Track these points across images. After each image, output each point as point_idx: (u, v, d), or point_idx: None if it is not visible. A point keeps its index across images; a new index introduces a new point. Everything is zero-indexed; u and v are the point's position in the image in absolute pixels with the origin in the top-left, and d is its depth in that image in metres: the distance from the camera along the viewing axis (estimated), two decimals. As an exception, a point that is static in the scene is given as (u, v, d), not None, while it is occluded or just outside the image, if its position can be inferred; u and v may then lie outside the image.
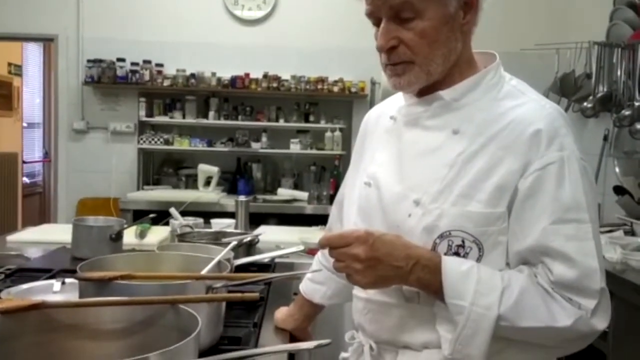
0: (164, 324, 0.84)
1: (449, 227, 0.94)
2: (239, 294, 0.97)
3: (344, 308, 1.81)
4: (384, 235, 0.94)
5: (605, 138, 3.54)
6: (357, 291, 1.09)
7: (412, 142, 1.02)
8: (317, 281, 1.30)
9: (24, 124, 6.05)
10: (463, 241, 0.94)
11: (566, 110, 3.90)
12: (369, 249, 0.91)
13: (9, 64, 5.64)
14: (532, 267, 0.94)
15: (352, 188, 1.15)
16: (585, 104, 3.42)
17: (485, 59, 1.04)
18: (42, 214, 5.85)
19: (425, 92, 1.02)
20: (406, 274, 0.92)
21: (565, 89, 3.88)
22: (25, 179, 5.98)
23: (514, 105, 0.98)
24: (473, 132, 0.97)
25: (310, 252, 2.17)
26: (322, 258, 1.31)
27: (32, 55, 6.20)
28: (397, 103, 1.10)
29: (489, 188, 0.93)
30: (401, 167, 1.02)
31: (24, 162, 5.91)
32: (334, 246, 0.93)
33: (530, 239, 0.92)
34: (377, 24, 0.99)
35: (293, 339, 1.33)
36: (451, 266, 0.91)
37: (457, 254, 0.94)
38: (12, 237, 2.46)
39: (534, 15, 4.45)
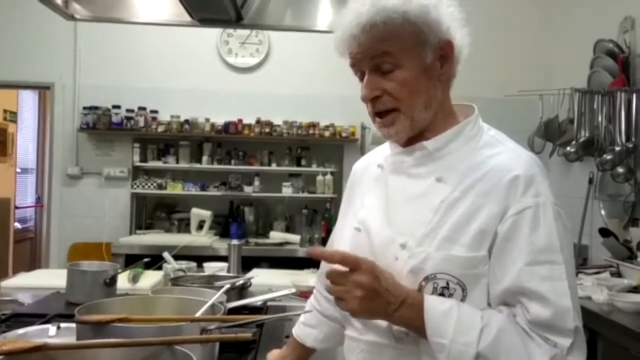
0: (161, 364, 0.87)
1: (434, 270, 0.99)
2: (232, 335, 1.00)
3: (337, 349, 1.83)
4: (385, 271, 0.99)
5: (591, 181, 3.62)
6: (350, 332, 1.13)
7: (398, 189, 1.09)
8: (309, 324, 1.34)
9: (18, 170, 6.08)
10: (447, 283, 0.99)
11: (551, 154, 4.01)
12: (374, 280, 0.95)
13: (5, 111, 5.72)
14: (511, 308, 0.98)
15: (341, 234, 1.20)
16: (568, 148, 3.51)
17: (464, 109, 1.11)
18: (33, 259, 5.83)
19: (409, 142, 1.09)
20: (393, 311, 0.96)
21: (550, 134, 3.99)
22: (17, 224, 5.97)
23: (492, 154, 1.05)
24: (455, 180, 1.03)
25: (302, 294, 2.19)
26: (315, 301, 1.35)
27: (27, 102, 6.29)
28: (383, 152, 1.17)
29: (471, 232, 0.99)
30: (389, 213, 1.08)
31: (16, 207, 5.92)
32: (347, 265, 0.96)
33: (507, 280, 0.97)
34: (361, 77, 1.06)
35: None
36: (433, 305, 0.96)
37: (442, 294, 0.99)
38: (5, 283, 2.47)
39: (518, 63, 4.61)
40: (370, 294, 0.95)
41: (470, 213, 1.00)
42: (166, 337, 0.93)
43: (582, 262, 3.54)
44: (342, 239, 1.17)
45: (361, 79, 1.06)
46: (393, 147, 1.13)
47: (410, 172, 1.08)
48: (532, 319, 0.95)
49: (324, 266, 1.34)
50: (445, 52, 1.05)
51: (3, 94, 5.53)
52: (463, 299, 0.99)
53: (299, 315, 1.34)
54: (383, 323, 1.03)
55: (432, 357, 0.96)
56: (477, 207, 1.00)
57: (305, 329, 1.34)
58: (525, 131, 4.06)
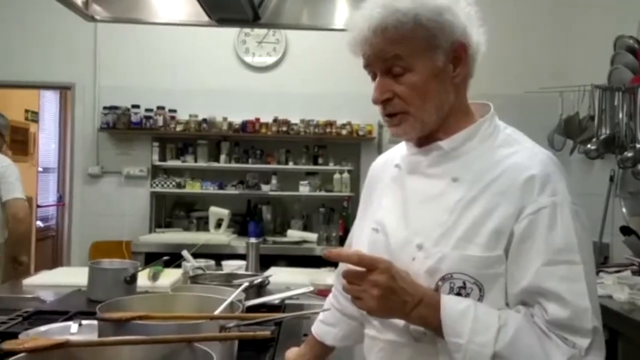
0: (181, 362, 0.88)
1: (450, 270, 0.99)
2: (250, 333, 1.01)
3: (355, 347, 1.83)
4: (401, 270, 0.99)
5: (612, 179, 3.58)
6: (369, 330, 1.13)
7: (415, 190, 1.09)
8: (328, 323, 1.34)
9: (39, 169, 6.18)
10: (464, 283, 0.98)
11: (571, 151, 3.96)
12: (390, 279, 0.95)
13: (26, 111, 5.81)
14: (529, 308, 0.98)
15: (360, 234, 1.21)
16: (589, 145, 3.47)
17: (481, 108, 1.11)
18: (54, 258, 5.91)
19: (424, 142, 1.09)
20: (410, 309, 0.96)
21: (570, 131, 3.94)
22: (39, 223, 6.06)
23: (508, 153, 1.04)
24: (471, 180, 1.03)
25: (320, 293, 2.20)
26: (334, 300, 1.36)
27: (49, 103, 6.39)
28: (400, 151, 1.17)
29: (487, 232, 0.98)
30: (406, 213, 1.08)
31: (38, 206, 6.01)
32: (364, 265, 0.96)
33: (525, 280, 0.96)
34: (374, 78, 1.07)
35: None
36: (450, 305, 0.96)
37: (459, 294, 0.99)
38: (27, 281, 2.51)
39: (538, 60, 4.55)
40: (387, 292, 0.95)
41: (485, 213, 0.99)
42: (185, 334, 0.94)
43: (603, 260, 3.50)
44: (361, 239, 1.18)
45: (373, 79, 1.07)
46: (409, 147, 1.13)
47: (427, 172, 1.08)
48: (550, 319, 0.94)
49: (343, 264, 1.35)
50: (458, 54, 1.04)
51: (25, 94, 5.62)
52: (480, 299, 0.98)
53: (317, 313, 1.35)
54: (401, 322, 1.03)
55: (450, 356, 0.96)
56: (493, 207, 0.99)
57: (324, 327, 1.34)
58: (545, 128, 4.02)
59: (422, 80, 1.02)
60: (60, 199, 6.32)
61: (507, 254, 0.99)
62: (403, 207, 1.09)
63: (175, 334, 1.02)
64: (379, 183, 1.20)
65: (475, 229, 0.99)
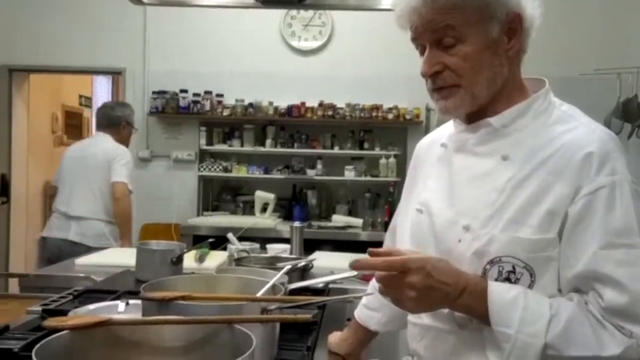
0: (220, 343, 0.88)
1: (499, 253, 0.94)
2: (291, 316, 0.99)
3: (399, 333, 1.80)
4: (438, 261, 0.95)
5: (673, 164, 3.39)
6: (412, 317, 1.10)
7: (462, 168, 1.04)
8: (371, 307, 1.32)
9: (93, 153, 6.35)
10: (514, 267, 0.94)
11: (629, 135, 3.78)
12: (426, 277, 0.91)
13: (80, 96, 5.98)
14: (583, 295, 0.92)
15: (404, 215, 1.17)
16: (649, 128, 3.31)
17: (535, 84, 1.04)
18: (107, 239, 6.08)
19: (474, 118, 1.03)
20: (453, 299, 0.93)
21: (628, 114, 3.77)
22: (93, 205, 6.24)
23: (564, 130, 0.98)
24: (522, 158, 0.97)
25: (364, 278, 2.17)
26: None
27: (101, 88, 6.56)
28: (448, 130, 1.12)
29: (540, 213, 0.93)
30: (452, 193, 1.03)
31: (92, 189, 6.19)
32: (395, 270, 0.93)
33: (580, 264, 0.91)
34: (422, 52, 1.02)
35: (345, 363, 1.34)
36: (498, 293, 0.92)
37: (508, 279, 0.94)
38: (79, 261, 2.59)
39: (594, 40, 4.35)
40: (424, 292, 0.92)
41: (538, 193, 0.94)
42: (226, 315, 0.94)
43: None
44: (404, 221, 1.14)
45: (422, 54, 1.02)
46: (457, 125, 1.08)
47: (475, 150, 1.03)
48: (606, 306, 0.89)
49: (386, 245, 1.32)
50: (513, 26, 0.98)
51: (78, 80, 5.79)
52: (531, 285, 0.93)
53: (360, 297, 1.33)
54: (446, 309, 0.99)
55: (497, 345, 0.91)
56: (546, 187, 0.94)
57: (368, 311, 1.32)
58: (602, 111, 3.85)
59: (475, 51, 0.97)
60: (113, 183, 6.49)
61: (561, 237, 0.93)
62: (449, 187, 1.04)
63: (216, 315, 1.01)
64: (425, 163, 1.16)
65: (527, 210, 0.94)
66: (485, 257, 0.95)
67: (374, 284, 1.35)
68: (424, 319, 1.06)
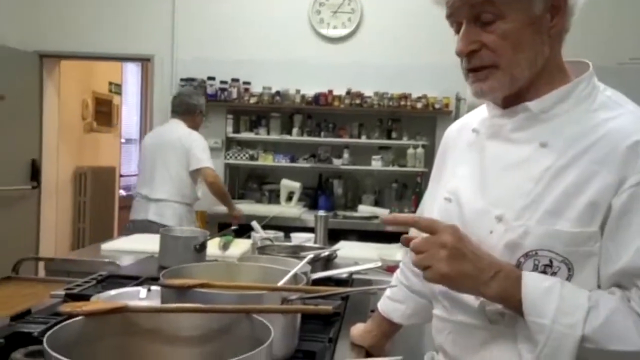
0: (239, 333, 0.85)
1: (534, 247, 0.89)
2: (312, 306, 0.96)
3: (424, 326, 1.76)
4: (469, 236, 0.90)
5: None
6: (438, 311, 1.05)
7: (495, 156, 0.98)
8: (396, 299, 1.27)
9: (122, 140, 6.44)
10: (551, 261, 0.88)
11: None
12: (457, 240, 0.87)
13: (110, 83, 6.04)
14: (624, 291, 0.86)
15: (432, 204, 1.11)
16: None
17: (577, 67, 0.98)
18: (135, 225, 6.15)
19: (510, 103, 0.97)
20: (488, 279, 0.87)
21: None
22: (122, 192, 6.34)
23: (608, 117, 0.91)
24: (562, 146, 0.91)
25: (389, 269, 2.13)
26: (402, 276, 1.28)
27: (131, 75, 6.62)
28: (479, 116, 1.06)
29: (580, 205, 0.87)
30: (483, 182, 0.97)
31: (121, 175, 6.28)
32: (422, 229, 0.89)
33: (623, 260, 0.85)
34: (457, 29, 0.96)
35: (369, 356, 1.30)
36: (532, 282, 0.86)
37: (544, 273, 0.88)
38: (105, 246, 2.61)
39: (630, 27, 4.19)
40: (456, 253, 0.86)
41: (579, 183, 0.88)
42: (245, 305, 0.91)
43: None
44: (432, 211, 1.08)
45: (457, 32, 0.95)
46: (491, 109, 1.02)
47: (510, 136, 0.96)
48: None
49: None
50: (557, 3, 0.92)
51: (108, 66, 5.84)
52: (569, 279, 0.88)
53: (384, 289, 1.28)
54: (474, 303, 0.94)
55: (531, 340, 0.86)
56: (588, 177, 0.87)
57: (392, 304, 1.28)
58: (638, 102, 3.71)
59: (515, 28, 0.90)
60: (141, 169, 6.56)
61: (603, 230, 0.87)
62: (480, 175, 0.98)
63: (235, 304, 0.99)
64: (454, 150, 1.10)
65: (567, 201, 0.88)
66: (518, 250, 0.89)
67: (397, 276, 1.31)
68: (450, 312, 1.01)
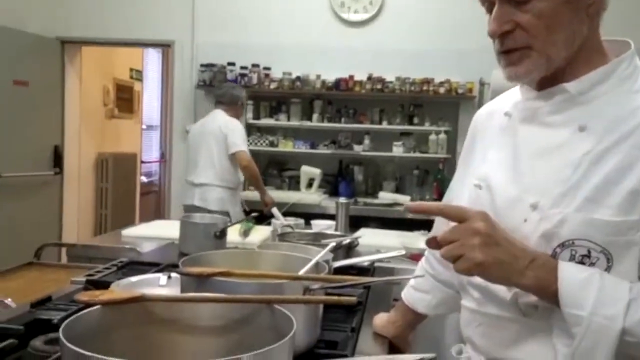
0: (260, 323, 0.82)
1: (571, 236, 0.84)
2: (335, 297, 0.92)
3: (447, 318, 1.71)
4: (501, 224, 0.86)
5: None
6: (467, 302, 1.01)
7: (530, 140, 0.92)
8: (421, 289, 1.24)
9: (143, 126, 6.46)
10: (589, 251, 0.83)
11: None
12: (489, 226, 0.83)
13: (131, 69, 6.05)
14: None
15: (460, 191, 1.06)
16: None
17: (617, 47, 0.92)
18: (157, 212, 6.21)
19: (545, 84, 0.92)
20: (523, 268, 0.82)
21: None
22: (143, 178, 6.37)
23: None
24: (603, 129, 0.86)
25: (412, 257, 2.09)
26: (427, 265, 1.24)
27: (152, 61, 6.62)
28: (511, 99, 1.01)
29: (622, 192, 0.82)
30: (517, 168, 0.92)
31: (142, 162, 6.31)
32: (450, 217, 0.85)
33: None
34: (489, 9, 0.91)
35: (392, 346, 1.27)
36: (569, 272, 0.81)
37: (581, 264, 0.83)
38: (126, 232, 2.61)
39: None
40: (489, 240, 0.81)
41: (620, 169, 0.83)
42: (267, 295, 0.88)
43: None
44: (460, 198, 1.04)
45: (489, 11, 0.90)
46: (525, 92, 0.96)
47: (546, 120, 0.91)
48: None
49: (436, 227, 1.23)
50: None
51: (129, 53, 5.85)
52: (607, 270, 0.83)
53: (408, 279, 1.24)
54: (507, 294, 0.90)
55: (567, 333, 0.82)
56: (631, 163, 0.82)
57: (417, 293, 1.24)
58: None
59: (551, 7, 0.85)
60: (163, 156, 6.59)
61: None
62: (514, 161, 0.93)
63: (256, 293, 0.96)
64: (484, 134, 1.05)
65: (607, 188, 0.83)
66: (555, 240, 0.85)
67: (423, 265, 1.27)
68: (480, 304, 0.96)
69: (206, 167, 3.61)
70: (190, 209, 3.55)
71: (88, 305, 0.76)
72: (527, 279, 0.82)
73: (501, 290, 0.90)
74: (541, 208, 0.86)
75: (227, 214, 3.44)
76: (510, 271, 0.83)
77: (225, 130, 3.59)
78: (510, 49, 0.89)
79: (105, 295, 0.77)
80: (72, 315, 1.16)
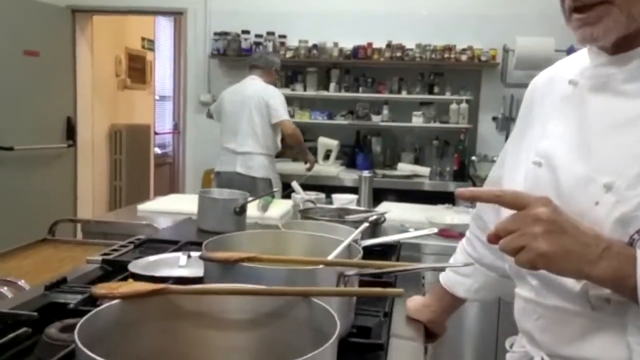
0: (295, 317, 0.74)
1: None
2: (379, 289, 0.84)
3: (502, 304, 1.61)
4: (567, 207, 0.76)
5: None
6: (523, 291, 0.91)
7: (601, 112, 0.81)
8: (462, 273, 1.14)
9: (156, 97, 6.36)
10: None
11: None
12: (553, 211, 0.72)
13: (143, 39, 5.93)
14: None
15: (514, 168, 0.95)
16: None
17: None
18: (171, 184, 6.16)
19: (620, 48, 0.81)
20: (596, 257, 0.72)
21: None
22: (157, 150, 6.31)
23: None
24: None
25: (441, 233, 2.01)
26: (469, 247, 1.15)
27: (164, 30, 6.48)
28: (577, 64, 0.89)
29: None
30: (585, 143, 0.81)
31: (155, 133, 6.24)
32: (508, 204, 0.75)
33: None
34: None
35: (428, 331, 1.20)
36: None
37: None
38: (142, 207, 2.54)
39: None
40: (553, 227, 0.71)
41: None
42: (299, 283, 0.80)
43: None
44: (514, 177, 0.93)
45: None
46: (594, 56, 0.85)
47: (621, 88, 0.80)
48: None
49: (480, 206, 1.13)
50: None
51: (141, 21, 5.72)
52: None
53: (456, 267, 1.15)
54: (574, 285, 0.80)
55: None
56: None
57: (457, 277, 1.15)
58: None
59: None
60: (176, 127, 6.51)
61: None
62: (581, 135, 0.82)
63: (286, 280, 0.88)
64: (543, 104, 0.93)
65: None
66: (632, 225, 0.74)
67: (464, 247, 1.17)
68: (540, 294, 0.87)
69: (248, 135, 3.61)
70: (229, 175, 3.59)
71: (106, 298, 0.68)
72: (601, 270, 0.72)
73: (567, 280, 0.79)
74: (617, 189, 0.75)
75: (269, 180, 3.59)
76: (580, 262, 0.72)
77: (267, 98, 3.57)
78: (586, 4, 0.77)
79: (124, 287, 0.69)
80: (88, 300, 1.10)
